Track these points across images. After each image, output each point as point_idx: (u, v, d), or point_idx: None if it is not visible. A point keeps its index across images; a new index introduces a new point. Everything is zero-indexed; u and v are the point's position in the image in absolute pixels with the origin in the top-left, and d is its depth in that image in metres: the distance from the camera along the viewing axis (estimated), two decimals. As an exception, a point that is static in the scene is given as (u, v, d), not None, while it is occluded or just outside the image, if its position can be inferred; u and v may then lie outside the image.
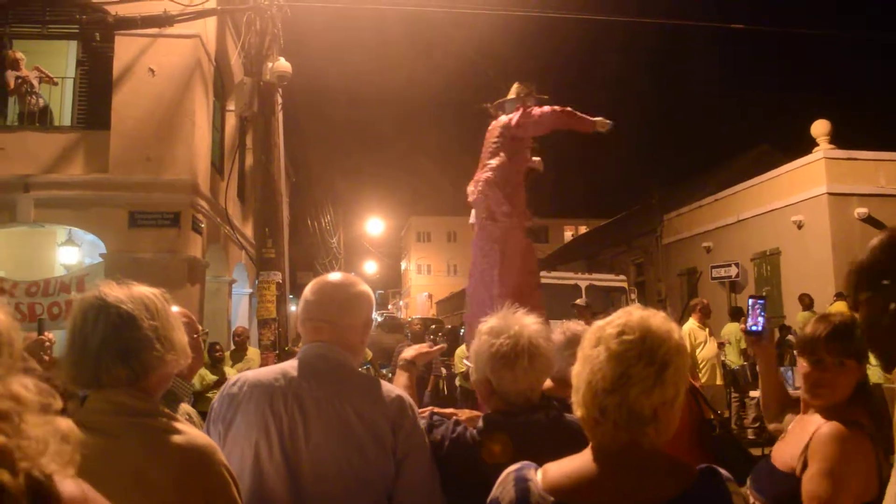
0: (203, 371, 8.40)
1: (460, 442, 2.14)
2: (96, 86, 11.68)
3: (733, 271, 18.07)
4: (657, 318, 1.51)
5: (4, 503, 0.83)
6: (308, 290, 2.25)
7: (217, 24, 12.96)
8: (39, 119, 11.45)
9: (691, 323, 9.46)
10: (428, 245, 68.90)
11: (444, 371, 12.29)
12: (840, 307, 11.21)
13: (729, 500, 1.44)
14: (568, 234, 55.89)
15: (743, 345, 11.31)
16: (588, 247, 32.77)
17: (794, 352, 2.41)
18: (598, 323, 1.54)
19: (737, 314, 12.32)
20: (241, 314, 16.14)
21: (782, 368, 8.99)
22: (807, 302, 13.12)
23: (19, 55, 11.32)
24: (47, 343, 4.22)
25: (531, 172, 6.59)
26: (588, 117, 6.10)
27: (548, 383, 2.49)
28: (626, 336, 1.45)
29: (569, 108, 6.10)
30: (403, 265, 74.15)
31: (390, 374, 11.66)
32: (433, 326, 25.60)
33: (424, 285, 65.07)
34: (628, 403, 1.42)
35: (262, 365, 9.52)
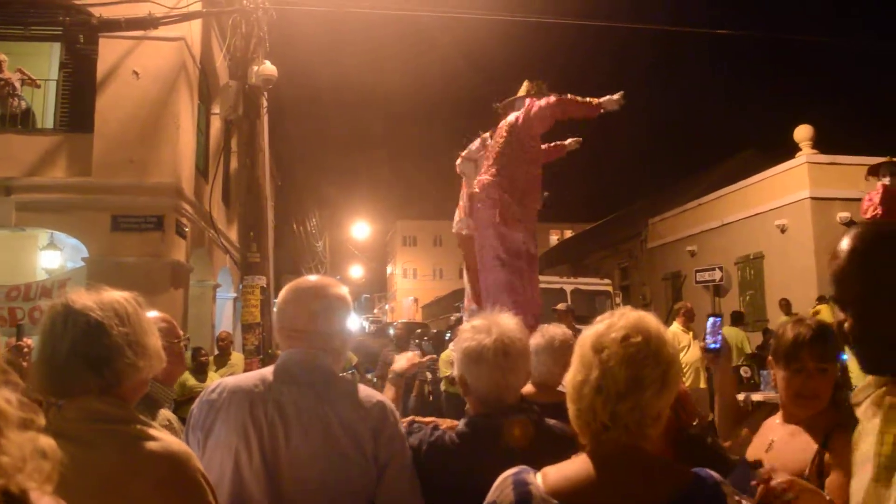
0: (186, 376, 8.32)
1: (438, 445, 2.13)
2: (79, 88, 11.60)
3: (717, 275, 18.16)
4: (653, 320, 1.53)
5: None
6: (280, 297, 2.24)
7: (202, 26, 12.89)
8: (21, 121, 11.34)
9: (675, 326, 9.50)
10: (414, 249, 68.90)
11: (429, 376, 12.26)
12: (823, 310, 11.31)
13: (723, 501, 1.45)
14: (553, 238, 55.99)
15: (747, 349, 11.45)
16: (573, 251, 32.84)
17: (770, 358, 2.38)
18: (596, 328, 1.53)
19: (737, 318, 12.46)
20: (225, 319, 16.04)
21: (765, 373, 9.05)
22: (784, 305, 13.25)
23: (2, 57, 11.23)
24: (25, 349, 4.18)
25: (563, 152, 6.48)
26: (592, 101, 5.86)
27: (528, 388, 2.49)
28: (634, 339, 1.46)
29: (568, 95, 5.89)
30: (389, 269, 74.10)
31: (375, 379, 11.66)
32: (418, 331, 25.60)
33: (410, 289, 65.06)
34: (641, 406, 1.42)
35: (246, 370, 9.47)
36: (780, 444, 2.23)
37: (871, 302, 1.31)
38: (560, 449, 1.66)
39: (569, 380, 1.53)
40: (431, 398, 12.29)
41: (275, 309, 2.26)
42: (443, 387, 11.02)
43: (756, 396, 8.17)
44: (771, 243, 16.86)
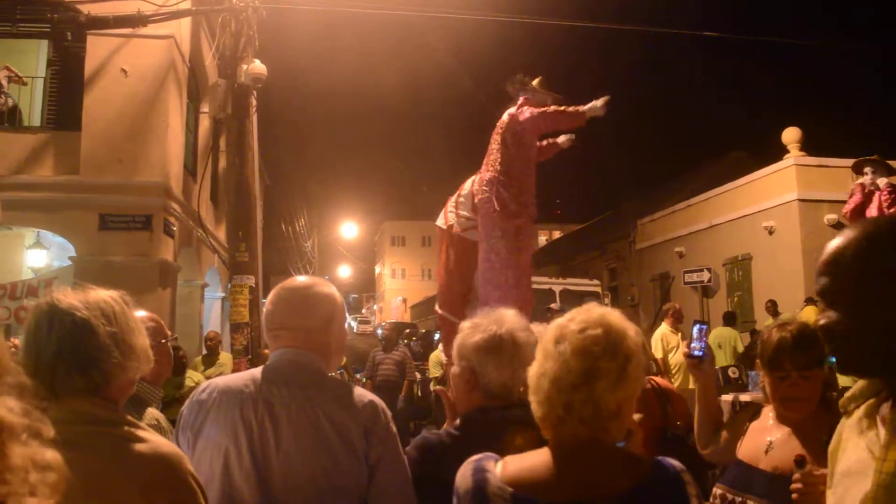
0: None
1: (431, 442, 2.14)
2: (67, 86, 11.52)
3: (705, 276, 18.24)
4: (615, 315, 1.54)
5: None
6: (269, 298, 2.24)
7: (191, 24, 12.83)
8: (8, 119, 11.25)
9: (664, 328, 9.53)
10: (402, 249, 68.94)
11: (418, 376, 12.27)
12: (810, 312, 11.38)
13: (683, 490, 1.46)
14: (542, 239, 56.13)
15: (740, 348, 11.51)
16: (562, 251, 32.87)
17: (757, 361, 2.40)
18: (558, 321, 1.55)
19: (730, 318, 12.52)
20: (213, 319, 15.98)
21: (752, 373, 9.09)
22: (771, 307, 13.33)
23: (-12, 54, 11.15)
24: (12, 349, 4.13)
25: (557, 150, 6.44)
26: (576, 110, 5.81)
27: None
28: (591, 331, 1.47)
29: (550, 109, 5.89)
30: (378, 269, 74.08)
31: (364, 379, 11.65)
32: (407, 331, 25.60)
33: (398, 289, 65.10)
34: (594, 398, 1.43)
35: (234, 370, 9.43)
36: (779, 445, 2.25)
37: (865, 297, 1.25)
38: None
39: (531, 372, 1.54)
40: (420, 395, 12.31)
41: (263, 310, 2.25)
42: (433, 387, 11.01)
43: (744, 397, 8.21)
44: (759, 245, 16.94)
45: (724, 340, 11.56)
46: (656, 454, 1.58)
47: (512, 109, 6.10)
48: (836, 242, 1.32)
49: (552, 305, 10.59)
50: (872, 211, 7.66)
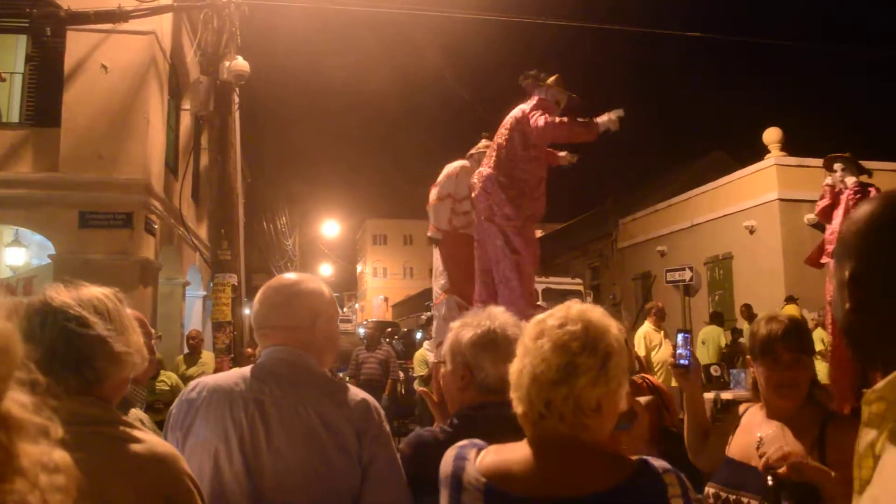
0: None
1: (423, 440, 2.12)
2: (46, 82, 11.40)
3: (687, 275, 18.36)
4: (596, 312, 1.53)
5: None
6: (257, 296, 2.21)
7: (173, 21, 12.73)
8: (-14, 115, 11.12)
9: (646, 326, 9.58)
10: (384, 248, 68.76)
11: (401, 375, 12.24)
12: (790, 311, 11.49)
13: (663, 491, 1.44)
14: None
15: (722, 342, 11.80)
16: (544, 250, 32.71)
17: (748, 356, 2.42)
18: (538, 316, 1.54)
19: (717, 318, 12.94)
20: (194, 317, 15.87)
21: (734, 371, 9.16)
22: (746, 311, 13.52)
23: (-35, 49, 11.00)
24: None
25: (555, 163, 6.27)
26: (590, 121, 5.63)
27: None
28: (569, 327, 1.46)
29: (565, 120, 5.65)
30: (359, 268, 73.82)
31: (348, 378, 11.60)
32: (389, 329, 25.54)
33: (380, 288, 64.92)
34: (575, 394, 1.41)
35: (216, 369, 9.36)
36: (769, 440, 2.25)
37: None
38: None
39: (511, 368, 1.53)
40: (404, 393, 12.29)
41: (252, 308, 2.22)
42: (416, 385, 10.99)
43: (725, 395, 8.25)
44: (740, 244, 17.06)
45: (709, 337, 11.75)
46: (654, 452, 1.57)
47: (525, 106, 5.83)
48: (874, 209, 1.16)
49: (540, 303, 10.61)
50: (839, 212, 7.71)
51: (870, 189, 7.53)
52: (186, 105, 14.01)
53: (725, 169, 19.31)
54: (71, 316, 1.61)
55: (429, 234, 6.81)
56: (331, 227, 47.94)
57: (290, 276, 2.32)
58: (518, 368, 1.49)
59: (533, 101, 5.82)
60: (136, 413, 2.46)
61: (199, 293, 16.23)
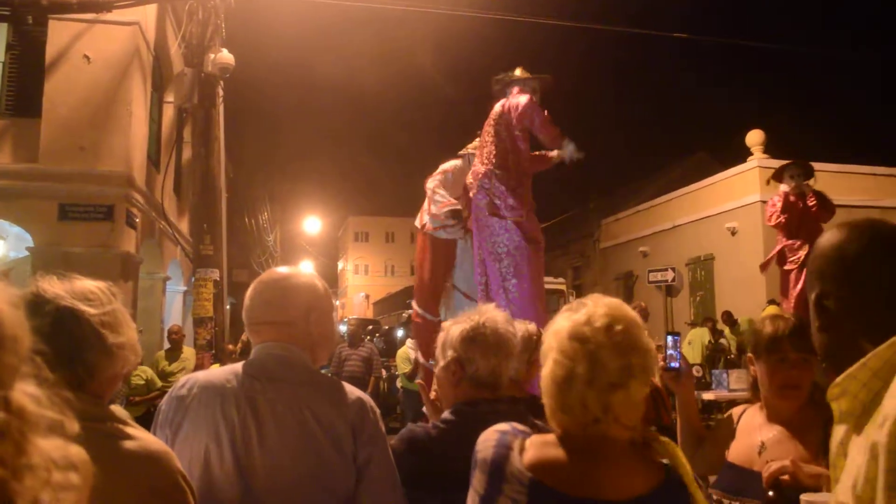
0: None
1: (410, 436, 2.11)
2: (27, 71, 11.26)
3: (669, 275, 18.47)
4: (626, 306, 1.50)
5: None
6: (249, 290, 2.15)
7: (157, 12, 12.61)
8: (-36, 104, 10.94)
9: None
10: (365, 245, 68.65)
11: (384, 373, 12.19)
12: (772, 312, 11.59)
13: (690, 493, 1.44)
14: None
15: (705, 339, 12.02)
16: (526, 249, 32.91)
17: (749, 355, 2.39)
18: (572, 317, 1.47)
19: (707, 321, 13.47)
20: (174, 312, 15.72)
21: (716, 372, 9.18)
22: (725, 318, 13.69)
23: (-56, 37, 10.81)
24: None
25: (548, 164, 6.22)
26: (558, 142, 5.79)
27: None
28: (618, 326, 1.42)
29: (546, 115, 5.74)
30: (340, 265, 73.62)
31: (329, 374, 11.54)
32: (370, 327, 25.46)
33: (361, 285, 64.75)
34: (630, 395, 1.40)
35: (197, 365, 9.26)
36: (773, 445, 2.22)
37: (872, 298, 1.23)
38: None
39: (548, 374, 1.47)
40: (387, 391, 12.24)
41: (244, 303, 2.17)
42: (399, 384, 10.94)
43: (707, 395, 8.28)
44: (721, 245, 17.17)
45: (695, 337, 12.00)
46: None
47: (505, 101, 5.93)
48: (843, 236, 1.30)
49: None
50: (794, 219, 7.81)
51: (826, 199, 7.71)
52: (169, 97, 13.85)
53: (707, 170, 19.44)
54: (63, 308, 1.56)
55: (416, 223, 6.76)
56: (312, 224, 47.67)
57: (282, 269, 2.27)
58: (562, 374, 1.43)
59: (514, 91, 5.91)
60: (116, 409, 2.41)
61: (180, 288, 16.08)
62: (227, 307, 12.30)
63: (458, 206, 6.21)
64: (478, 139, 6.42)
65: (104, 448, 1.48)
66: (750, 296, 14.44)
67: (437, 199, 6.26)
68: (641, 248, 20.84)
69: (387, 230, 66.67)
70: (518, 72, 6.06)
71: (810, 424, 2.19)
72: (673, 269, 18.47)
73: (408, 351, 10.48)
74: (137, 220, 11.62)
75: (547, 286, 16.26)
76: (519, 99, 5.76)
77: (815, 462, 2.06)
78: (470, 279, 6.21)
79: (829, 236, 1.32)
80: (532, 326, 3.40)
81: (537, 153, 6.15)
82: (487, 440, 1.52)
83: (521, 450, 1.47)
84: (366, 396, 2.06)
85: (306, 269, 2.29)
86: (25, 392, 0.71)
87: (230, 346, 10.09)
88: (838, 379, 1.19)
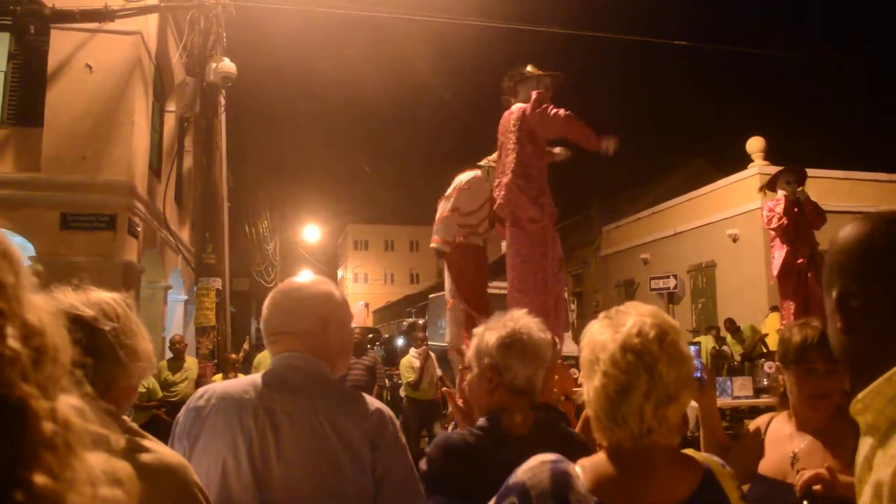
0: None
1: (446, 442, 2.09)
2: (29, 81, 11.26)
3: (672, 283, 18.45)
4: (664, 313, 1.48)
5: None
6: (267, 300, 2.13)
7: (159, 21, 12.62)
8: (-34, 114, 10.93)
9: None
10: (365, 253, 68.59)
11: (387, 381, 12.14)
12: (774, 319, 11.53)
13: (726, 489, 1.45)
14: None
15: (709, 346, 12.35)
16: (527, 257, 32.89)
17: (777, 364, 2.35)
18: (623, 329, 1.42)
19: (711, 329, 13.50)
20: (175, 321, 15.69)
21: (719, 379, 9.14)
22: (728, 325, 13.69)
23: (-54, 47, 10.81)
24: None
25: (552, 163, 6.18)
26: (593, 133, 5.61)
27: None
28: (669, 337, 1.40)
29: (574, 116, 5.60)
30: (340, 273, 73.57)
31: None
32: (371, 336, 25.42)
33: (361, 294, 64.62)
34: (681, 405, 1.39)
35: (199, 375, 9.23)
36: (805, 456, 2.19)
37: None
38: (571, 449, 1.66)
39: (599, 387, 1.42)
40: (389, 400, 12.18)
41: (262, 314, 2.15)
42: (403, 392, 10.91)
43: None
44: (723, 252, 17.17)
45: (702, 346, 12.06)
46: None
47: (523, 105, 5.77)
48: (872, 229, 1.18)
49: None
50: (790, 224, 7.79)
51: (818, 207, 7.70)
52: (171, 107, 13.87)
53: (708, 177, 19.45)
54: (79, 319, 1.54)
55: (433, 245, 6.76)
56: (312, 232, 47.62)
57: (300, 279, 2.25)
58: (615, 388, 1.39)
59: (533, 96, 5.72)
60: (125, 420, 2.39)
61: (181, 297, 16.05)
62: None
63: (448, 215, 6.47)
64: (496, 153, 6.35)
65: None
66: (752, 302, 14.44)
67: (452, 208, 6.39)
68: (643, 255, 20.83)
69: (386, 238, 66.62)
70: (529, 68, 5.95)
71: (842, 434, 2.12)
72: (675, 277, 18.46)
73: (411, 360, 10.45)
74: (139, 229, 11.60)
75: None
76: (549, 110, 5.57)
77: (849, 472, 2.03)
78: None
79: (851, 229, 1.19)
80: (549, 335, 3.38)
81: (585, 127, 5.95)
82: (539, 471, 1.44)
83: (578, 475, 1.44)
84: (385, 407, 2.03)
85: (324, 279, 2.26)
86: (70, 404, 0.68)
87: (233, 356, 10.04)
88: (860, 395, 1.10)
